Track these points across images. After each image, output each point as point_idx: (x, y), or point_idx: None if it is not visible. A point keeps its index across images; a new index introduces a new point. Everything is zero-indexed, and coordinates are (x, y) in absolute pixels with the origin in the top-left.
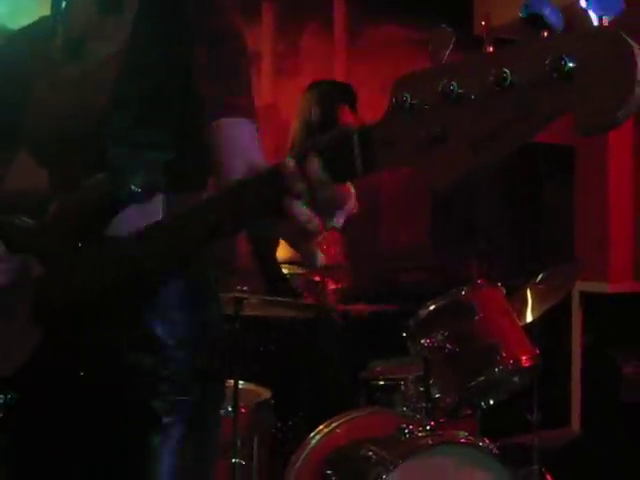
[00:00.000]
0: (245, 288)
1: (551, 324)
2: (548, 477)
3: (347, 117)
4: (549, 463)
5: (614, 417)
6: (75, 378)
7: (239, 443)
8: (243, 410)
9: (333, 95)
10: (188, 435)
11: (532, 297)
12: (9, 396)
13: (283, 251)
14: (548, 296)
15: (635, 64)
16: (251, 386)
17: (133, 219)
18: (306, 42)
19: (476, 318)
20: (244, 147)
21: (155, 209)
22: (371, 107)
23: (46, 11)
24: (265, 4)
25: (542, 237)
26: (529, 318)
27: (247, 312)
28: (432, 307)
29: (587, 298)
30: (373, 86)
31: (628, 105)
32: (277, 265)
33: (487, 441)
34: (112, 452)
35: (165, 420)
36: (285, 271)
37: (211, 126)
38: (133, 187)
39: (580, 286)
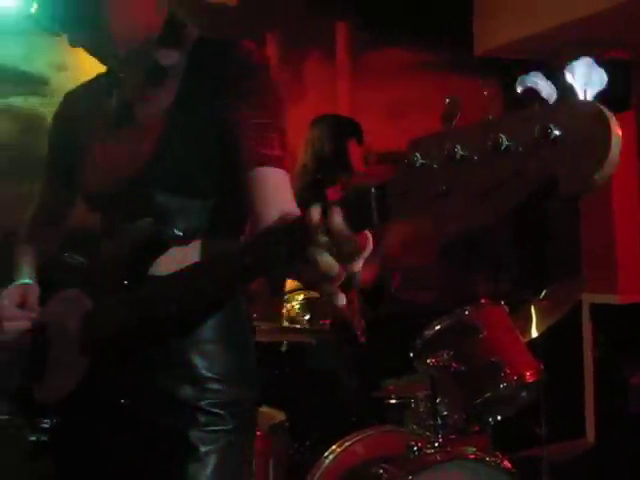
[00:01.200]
0: (255, 315)
1: (561, 337)
2: None
3: (355, 150)
4: (561, 476)
5: (626, 428)
6: (116, 407)
7: (254, 466)
8: (258, 433)
9: (343, 130)
10: (223, 464)
11: (536, 313)
12: (54, 421)
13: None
14: (552, 311)
15: (610, 132)
16: (265, 409)
17: (174, 261)
18: (309, 69)
19: (480, 337)
20: (277, 196)
21: (194, 252)
22: (375, 131)
23: (60, 54)
24: (269, 34)
25: (548, 252)
26: (534, 334)
27: (259, 338)
28: (437, 327)
29: (597, 310)
30: (377, 110)
31: (604, 168)
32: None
33: (498, 455)
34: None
35: (202, 449)
36: (301, 296)
37: (247, 176)
38: (175, 231)
39: (590, 298)
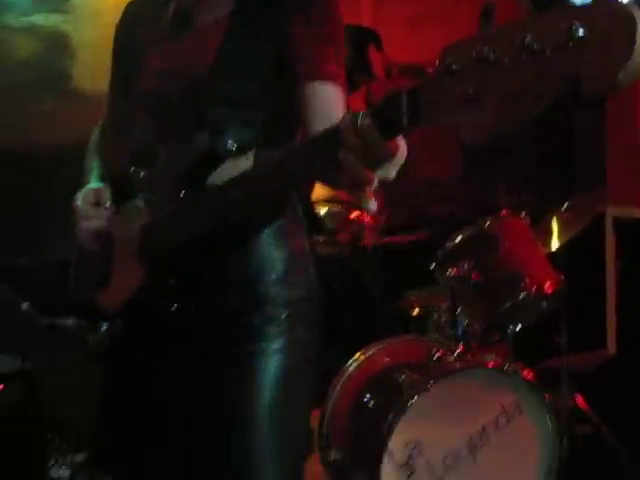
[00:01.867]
0: None
1: (584, 249)
2: (579, 398)
3: (375, 56)
4: (581, 385)
5: None
6: (172, 315)
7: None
8: None
9: (362, 37)
10: (287, 363)
11: (558, 225)
12: (116, 322)
13: (319, 190)
14: (574, 223)
15: (636, 33)
16: None
17: (229, 173)
18: None
19: (500, 248)
20: (328, 111)
21: (248, 164)
22: (398, 44)
23: None
24: None
25: (573, 164)
26: (555, 246)
27: None
28: (458, 239)
29: (620, 223)
30: (400, 23)
31: (628, 69)
32: (311, 204)
33: (517, 364)
34: (209, 384)
35: (264, 349)
36: (323, 209)
37: (301, 89)
38: (230, 144)
39: (613, 211)
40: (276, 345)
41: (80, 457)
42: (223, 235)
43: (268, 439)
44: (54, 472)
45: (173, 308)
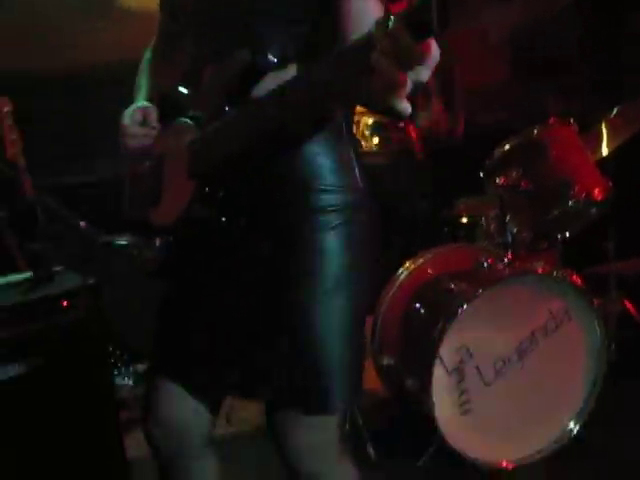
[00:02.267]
0: None
1: (633, 155)
2: (626, 303)
3: None
4: (629, 290)
5: None
6: (224, 226)
7: None
8: None
9: None
10: (340, 273)
11: (607, 131)
12: (170, 239)
13: None
14: (623, 130)
15: None
16: None
17: (271, 86)
18: None
19: (549, 155)
20: (368, 24)
21: (288, 76)
22: None
23: None
24: None
25: (622, 70)
26: (605, 153)
27: None
28: (506, 147)
29: None
30: None
31: None
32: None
33: (566, 270)
34: (261, 293)
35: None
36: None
37: (342, 2)
38: (271, 58)
39: None
40: (330, 247)
41: (141, 368)
42: (267, 147)
43: (332, 330)
44: (118, 381)
45: (223, 221)
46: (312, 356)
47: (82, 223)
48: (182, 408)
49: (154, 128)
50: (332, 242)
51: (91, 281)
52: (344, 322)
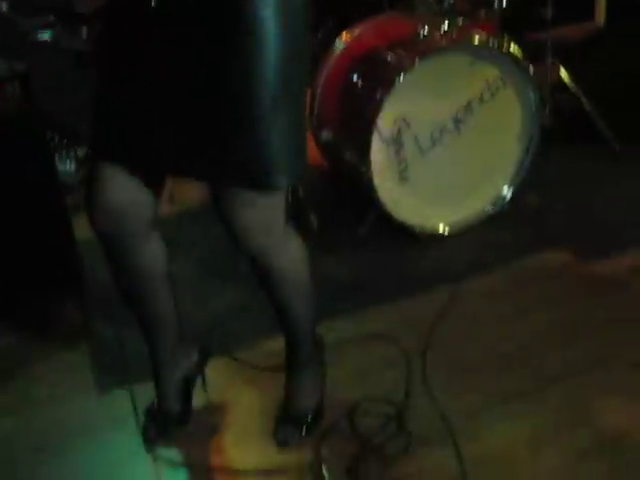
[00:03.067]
0: None
1: None
2: (561, 69)
3: None
4: (567, 57)
5: (638, 12)
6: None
7: None
8: None
9: None
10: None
11: None
12: (95, 25)
13: None
14: None
15: None
16: None
17: None
18: None
19: None
20: None
21: None
22: None
23: None
24: None
25: None
26: None
27: None
28: None
29: None
30: None
31: None
32: None
33: (503, 39)
34: (204, 55)
35: None
36: None
37: None
38: None
39: None
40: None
41: (81, 152)
42: None
43: (274, 93)
44: (60, 167)
45: (152, 4)
46: (253, 128)
47: (3, 4)
48: (123, 191)
49: None
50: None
51: (20, 67)
52: (285, 87)
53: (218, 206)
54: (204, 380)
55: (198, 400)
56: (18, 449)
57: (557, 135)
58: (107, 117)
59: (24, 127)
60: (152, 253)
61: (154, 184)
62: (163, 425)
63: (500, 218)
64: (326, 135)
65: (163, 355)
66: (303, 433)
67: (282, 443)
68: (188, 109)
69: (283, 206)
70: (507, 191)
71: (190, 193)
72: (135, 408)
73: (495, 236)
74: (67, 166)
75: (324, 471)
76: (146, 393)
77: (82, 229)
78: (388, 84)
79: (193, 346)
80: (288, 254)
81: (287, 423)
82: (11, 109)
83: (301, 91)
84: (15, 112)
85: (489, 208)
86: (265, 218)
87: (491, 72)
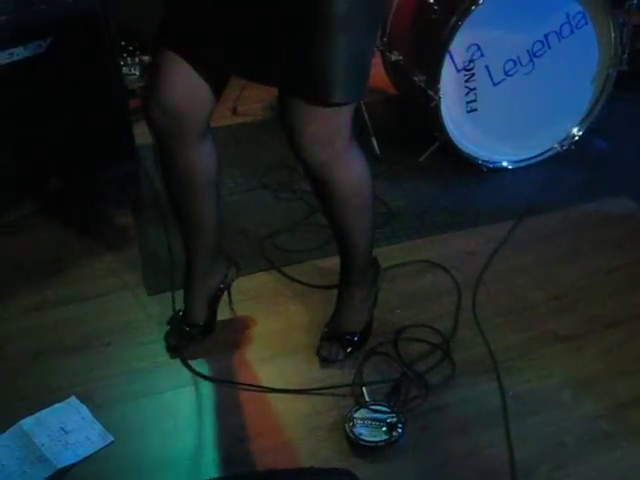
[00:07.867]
0: None
1: None
2: None
3: None
4: None
5: None
6: None
7: None
8: None
9: None
10: None
11: None
12: None
13: None
14: None
15: None
16: None
17: None
18: None
19: None
20: None
21: None
22: None
23: None
24: None
25: None
26: None
27: None
28: None
29: None
30: None
31: None
32: None
33: None
34: None
35: None
36: None
37: None
38: None
39: None
40: None
41: (147, 59)
42: None
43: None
44: (125, 71)
45: None
46: (319, 39)
47: None
48: (184, 88)
49: None
50: None
51: None
52: (359, 13)
53: (283, 116)
54: (230, 297)
55: (223, 314)
56: (62, 339)
57: (633, 82)
58: (177, 6)
59: (93, 28)
60: (204, 156)
61: (215, 84)
62: (186, 335)
63: (566, 159)
64: (396, 57)
65: (200, 266)
66: (348, 352)
67: (326, 360)
68: (257, 9)
69: (348, 122)
70: (576, 132)
71: (253, 107)
72: (175, 311)
73: (559, 176)
74: (132, 71)
75: (364, 393)
76: None
77: (140, 136)
78: (465, 9)
79: (228, 261)
80: (350, 168)
81: (333, 341)
82: (84, 13)
83: (374, 13)
84: (87, 16)
85: (556, 147)
86: (328, 132)
87: (573, 6)
